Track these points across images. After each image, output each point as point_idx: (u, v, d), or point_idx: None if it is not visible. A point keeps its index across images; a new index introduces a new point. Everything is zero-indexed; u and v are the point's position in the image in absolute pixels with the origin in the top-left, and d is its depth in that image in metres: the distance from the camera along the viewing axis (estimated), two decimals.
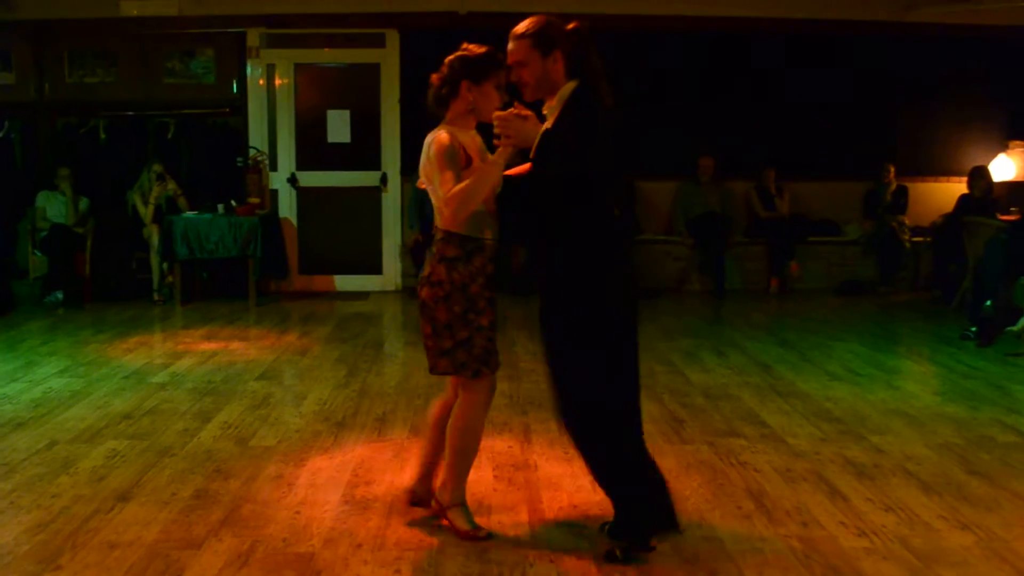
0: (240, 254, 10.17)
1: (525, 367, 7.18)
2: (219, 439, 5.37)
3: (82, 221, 10.48)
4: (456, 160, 3.69)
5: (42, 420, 5.77)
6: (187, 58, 11.38)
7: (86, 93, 11.29)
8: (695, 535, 4.01)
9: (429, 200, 3.94)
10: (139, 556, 3.80)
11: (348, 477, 4.77)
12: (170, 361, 7.45)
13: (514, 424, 5.68)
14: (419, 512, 4.22)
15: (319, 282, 11.32)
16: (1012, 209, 10.40)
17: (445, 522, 4.03)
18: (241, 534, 4.03)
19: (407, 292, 10.85)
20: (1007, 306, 7.97)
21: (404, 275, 11.12)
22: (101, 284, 10.57)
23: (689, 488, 4.58)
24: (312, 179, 11.26)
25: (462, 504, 4.03)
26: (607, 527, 3.92)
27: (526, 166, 3.72)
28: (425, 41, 10.40)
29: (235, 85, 11.28)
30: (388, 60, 10.96)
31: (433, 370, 3.92)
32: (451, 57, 3.81)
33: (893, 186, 11.29)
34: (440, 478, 4.11)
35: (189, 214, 10.34)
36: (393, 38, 11.00)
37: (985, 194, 10.56)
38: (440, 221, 3.83)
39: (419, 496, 4.25)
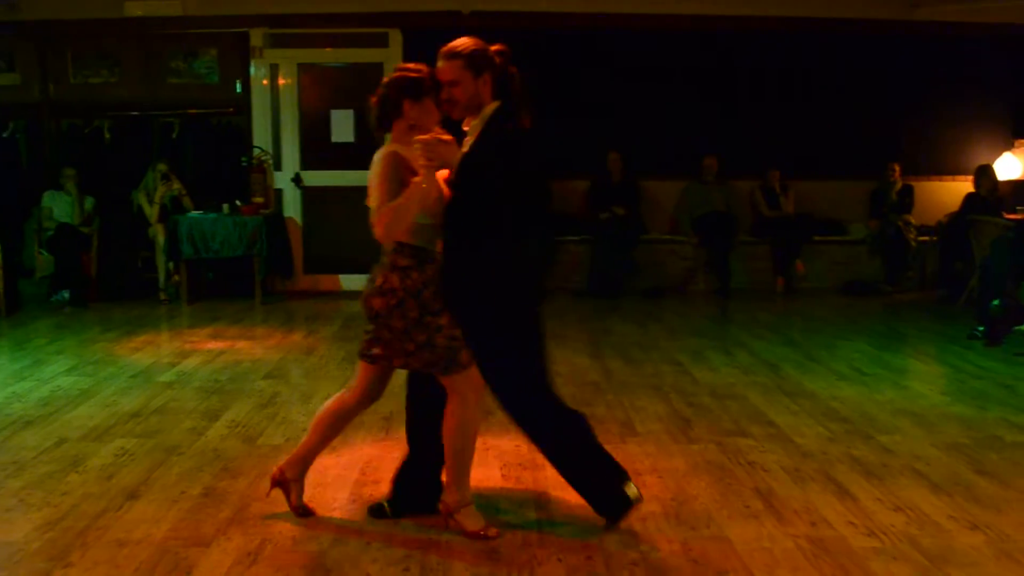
0: (245, 253, 10.19)
1: None
2: (227, 438, 5.37)
3: (88, 221, 10.50)
4: (396, 177, 3.77)
5: (51, 418, 5.78)
6: (191, 58, 11.41)
7: (90, 93, 11.32)
8: (703, 534, 4.01)
9: None
10: (148, 554, 3.80)
11: (356, 476, 4.78)
12: (177, 360, 7.45)
13: None
14: (428, 511, 4.21)
15: (324, 281, 11.33)
16: (1018, 208, 10.37)
17: (453, 523, 4.03)
18: (250, 532, 4.03)
19: None
20: (1014, 305, 7.96)
21: None
22: (107, 283, 10.61)
23: (697, 488, 4.58)
24: (316, 178, 11.26)
25: (471, 504, 4.03)
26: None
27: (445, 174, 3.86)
28: (428, 41, 10.30)
29: (239, 85, 11.29)
30: (391, 60, 10.93)
31: (404, 366, 3.98)
32: (389, 78, 3.92)
33: (899, 185, 11.28)
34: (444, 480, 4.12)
35: (194, 213, 10.36)
36: (396, 38, 11.00)
37: (991, 193, 10.56)
38: (376, 234, 3.88)
39: (281, 479, 4.23)
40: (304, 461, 4.24)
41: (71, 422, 5.70)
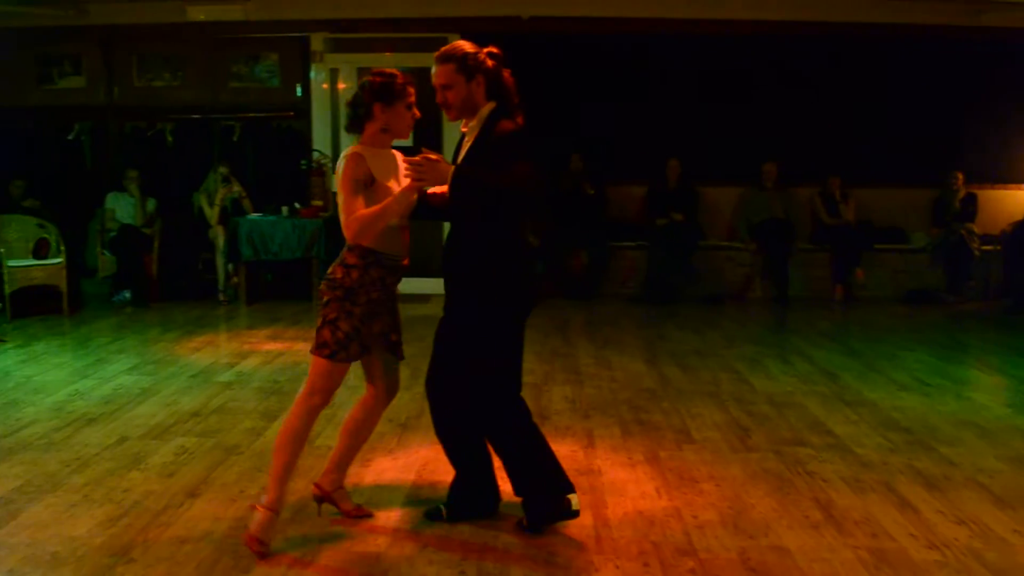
0: (304, 256, 10.28)
1: (587, 371, 7.16)
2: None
3: (150, 222, 10.66)
4: (356, 178, 3.91)
5: (113, 416, 5.88)
6: (252, 62, 11.55)
7: (154, 97, 11.52)
8: (762, 544, 3.97)
9: None
10: (209, 551, 3.85)
11: (413, 478, 4.80)
12: (236, 360, 7.54)
13: (577, 429, 5.66)
14: (483, 515, 4.23)
15: None
16: None
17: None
18: (307, 532, 4.07)
19: None
20: None
21: None
22: (168, 284, 10.76)
23: (755, 497, 4.54)
24: None
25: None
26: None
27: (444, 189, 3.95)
28: (487, 46, 10.40)
29: (299, 89, 11.41)
30: None
31: (312, 350, 4.05)
32: (363, 81, 4.06)
33: (962, 193, 11.11)
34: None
35: (254, 216, 10.47)
36: None
37: None
38: (345, 236, 4.02)
39: (322, 495, 4.30)
40: (339, 469, 4.30)
41: (132, 420, 5.79)
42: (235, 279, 10.60)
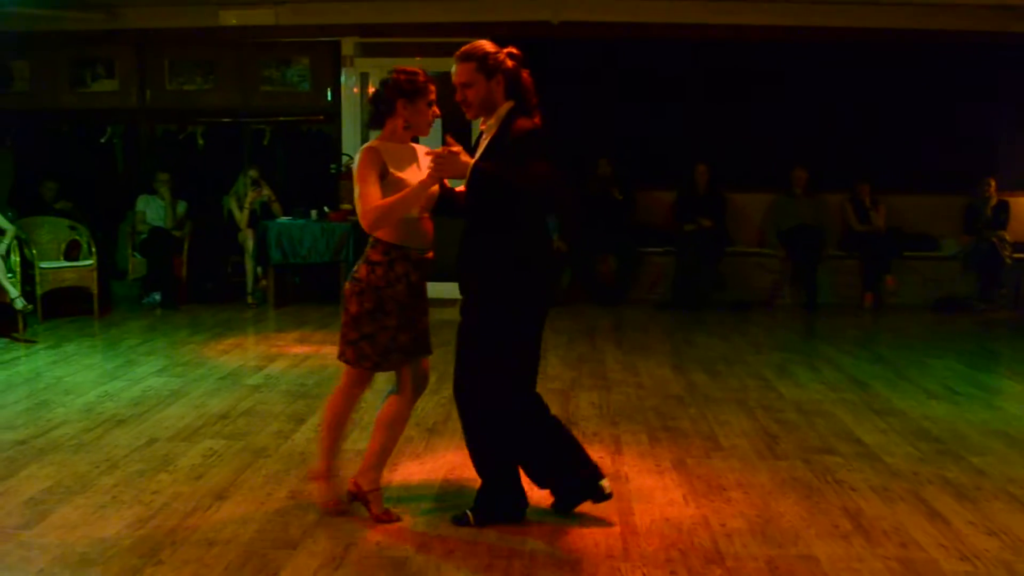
0: (332, 259, 10.31)
1: (615, 377, 7.15)
2: (312, 441, 5.43)
3: (180, 225, 10.74)
4: (374, 171, 4.01)
5: (142, 418, 5.92)
6: (283, 66, 11.61)
7: (185, 100, 11.61)
8: (790, 553, 3.94)
9: None
10: (236, 554, 3.86)
11: (440, 482, 4.81)
12: (264, 363, 7.58)
13: (604, 435, 5.65)
14: (510, 520, 4.23)
15: None
16: None
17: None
18: (336, 536, 4.07)
19: None
20: None
21: None
22: (197, 286, 10.83)
23: (784, 505, 4.51)
24: None
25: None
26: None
27: (461, 188, 4.09)
28: (519, 50, 10.40)
29: (329, 93, 11.47)
30: None
31: (340, 356, 4.21)
32: (386, 77, 4.19)
33: (994, 201, 11.00)
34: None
35: (283, 219, 10.52)
36: None
37: None
38: (363, 226, 4.08)
39: (358, 492, 4.33)
40: (376, 469, 4.31)
41: (161, 422, 5.83)
42: (263, 282, 10.65)
